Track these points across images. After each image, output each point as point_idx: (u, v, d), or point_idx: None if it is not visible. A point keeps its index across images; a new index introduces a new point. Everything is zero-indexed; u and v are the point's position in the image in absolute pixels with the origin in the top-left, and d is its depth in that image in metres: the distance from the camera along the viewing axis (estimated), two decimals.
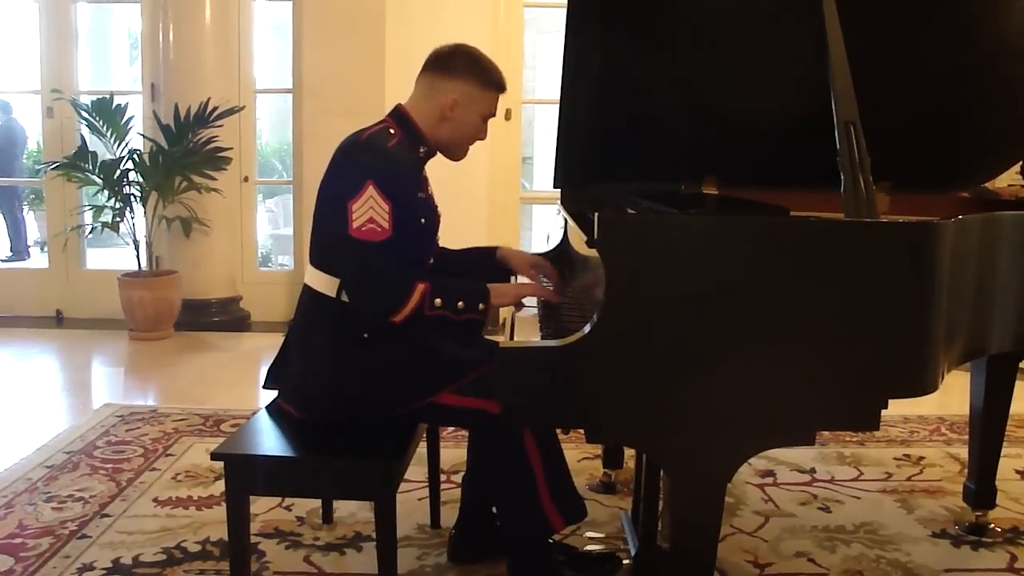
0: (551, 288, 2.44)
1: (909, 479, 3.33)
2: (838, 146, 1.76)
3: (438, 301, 2.14)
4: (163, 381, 4.84)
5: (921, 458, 3.55)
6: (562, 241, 2.96)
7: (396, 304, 2.12)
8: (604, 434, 1.75)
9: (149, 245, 5.71)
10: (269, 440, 2.17)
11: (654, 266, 1.62)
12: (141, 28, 6.11)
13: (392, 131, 2.28)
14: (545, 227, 7.96)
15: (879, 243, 1.67)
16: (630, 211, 2.11)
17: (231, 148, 5.72)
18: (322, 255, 2.28)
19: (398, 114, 2.33)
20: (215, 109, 5.52)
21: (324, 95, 5.73)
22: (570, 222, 2.74)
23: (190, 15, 5.79)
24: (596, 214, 1.61)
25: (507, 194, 5.98)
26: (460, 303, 2.16)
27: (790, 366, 1.66)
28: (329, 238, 2.23)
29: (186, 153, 5.52)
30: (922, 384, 1.74)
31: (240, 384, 4.71)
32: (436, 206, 2.41)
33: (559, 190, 2.93)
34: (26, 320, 6.15)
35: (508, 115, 5.71)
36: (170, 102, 5.68)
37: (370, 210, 2.11)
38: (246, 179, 6.10)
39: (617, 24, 2.50)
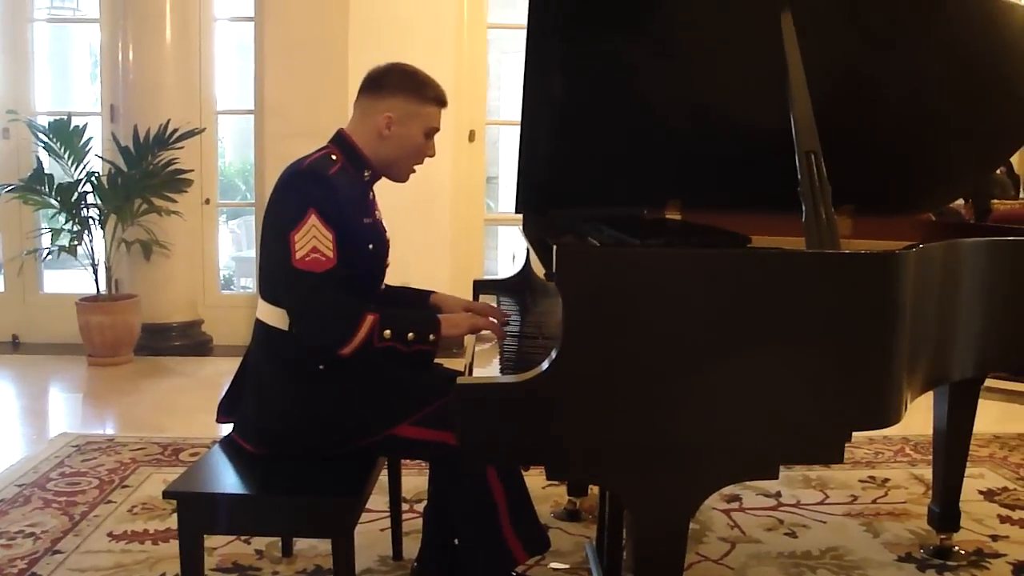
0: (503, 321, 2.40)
1: (875, 502, 3.32)
2: (799, 176, 1.75)
3: (387, 332, 2.10)
4: (121, 408, 4.75)
5: (886, 480, 3.55)
6: (524, 267, 2.93)
7: (344, 336, 2.08)
8: (564, 471, 1.71)
9: (108, 269, 5.62)
10: (223, 477, 2.11)
11: (613, 299, 1.59)
12: (100, 47, 6.02)
13: (334, 156, 2.24)
14: (511, 248, 7.94)
15: (840, 274, 1.65)
16: (591, 240, 2.08)
17: (192, 170, 5.65)
18: (271, 288, 2.24)
19: (339, 138, 2.30)
20: (175, 131, 5.45)
21: (286, 116, 5.67)
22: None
23: (150, 35, 5.71)
24: (554, 246, 1.58)
25: (471, 216, 5.95)
26: (410, 334, 2.12)
27: (752, 400, 1.63)
28: (274, 271, 2.19)
29: (146, 175, 5.44)
30: (885, 416, 1.72)
31: (200, 411, 4.61)
32: (384, 231, 2.37)
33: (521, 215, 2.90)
34: None
35: (472, 136, 5.69)
36: (130, 123, 5.60)
37: (313, 239, 2.07)
38: (207, 201, 6.02)
39: (578, 45, 2.47)
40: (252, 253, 6.47)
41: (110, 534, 2.99)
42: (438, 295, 2.53)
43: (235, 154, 9.82)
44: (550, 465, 1.64)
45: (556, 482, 3.36)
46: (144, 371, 5.45)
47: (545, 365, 1.59)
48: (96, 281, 5.59)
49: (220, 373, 5.41)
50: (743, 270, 1.63)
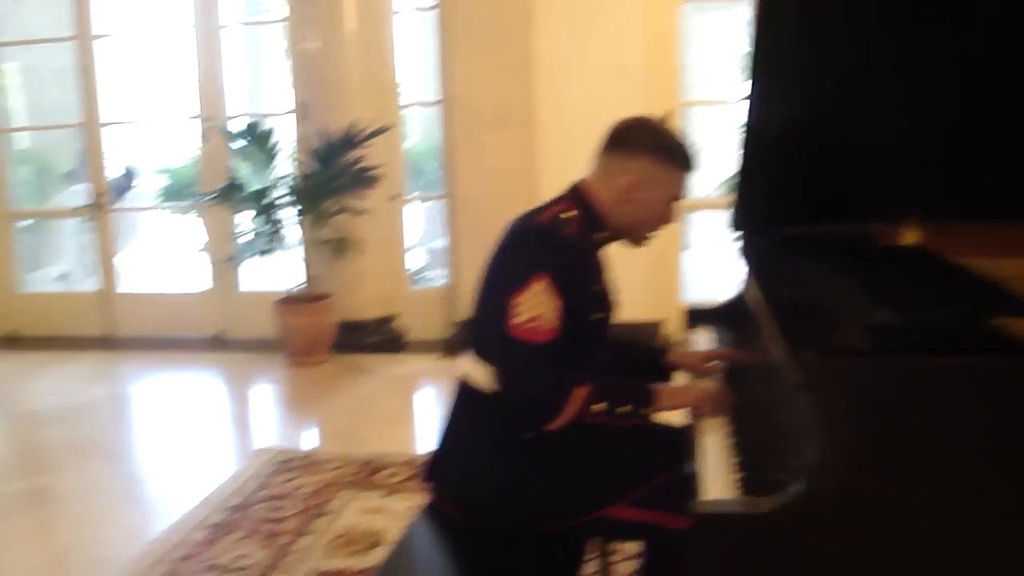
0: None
1: None
2: None
3: (599, 406, 1.89)
4: (320, 416, 4.78)
5: None
6: (742, 293, 2.65)
7: (552, 413, 1.88)
8: None
9: (303, 268, 5.66)
10: (425, 565, 1.95)
11: (886, 418, 1.28)
12: (288, 48, 6.05)
13: (570, 214, 2.02)
14: (711, 237, 7.55)
15: None
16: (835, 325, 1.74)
17: (380, 166, 5.57)
18: (480, 346, 2.04)
19: (577, 193, 2.07)
20: (363, 131, 5.39)
21: (473, 106, 5.53)
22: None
23: (334, 32, 5.67)
24: (801, 353, 1.29)
25: None
26: (623, 408, 1.91)
27: None
28: (487, 330, 1.99)
29: (336, 176, 5.42)
30: None
31: (396, 422, 4.59)
32: (610, 296, 2.14)
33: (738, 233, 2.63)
34: (190, 342, 6.24)
35: (666, 120, 5.37)
36: (318, 123, 5.61)
37: (537, 306, 1.86)
38: (396, 196, 5.96)
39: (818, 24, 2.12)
40: (442, 243, 6.38)
41: (317, 573, 2.93)
42: (675, 353, 2.30)
43: (420, 135, 9.77)
44: None
45: None
46: (341, 371, 5.47)
47: (796, 489, 1.32)
48: (292, 281, 5.65)
49: (414, 375, 5.38)
50: None
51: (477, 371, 2.04)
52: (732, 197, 2.58)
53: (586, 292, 2.00)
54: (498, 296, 1.92)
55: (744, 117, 2.33)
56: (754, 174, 2.39)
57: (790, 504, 1.32)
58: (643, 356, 2.30)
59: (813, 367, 1.29)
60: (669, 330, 5.42)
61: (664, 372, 2.28)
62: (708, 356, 2.29)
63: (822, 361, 1.28)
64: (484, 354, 2.01)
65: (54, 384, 5.58)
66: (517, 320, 1.86)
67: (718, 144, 8.45)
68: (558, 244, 1.94)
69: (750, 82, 2.25)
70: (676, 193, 2.06)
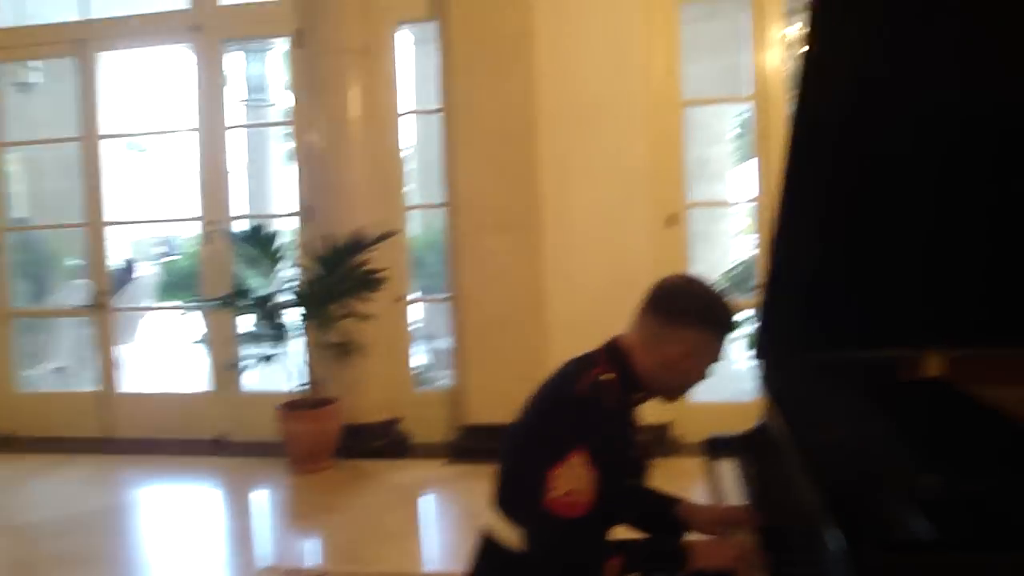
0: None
1: None
2: None
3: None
4: (325, 530, 4.68)
5: None
6: (766, 423, 2.59)
7: None
8: None
9: (306, 371, 5.60)
10: None
11: None
12: (293, 151, 6.08)
13: (608, 376, 1.98)
14: None
15: None
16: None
17: (385, 268, 5.55)
18: (509, 505, 2.00)
19: (615, 351, 2.04)
20: (369, 236, 5.38)
21: (477, 209, 5.53)
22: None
23: (339, 133, 5.71)
24: (857, 545, 1.23)
25: None
26: (657, 574, 1.88)
27: None
28: (520, 495, 1.94)
29: (341, 280, 5.39)
30: None
31: (404, 536, 4.49)
32: (643, 459, 2.10)
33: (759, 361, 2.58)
34: (190, 444, 6.12)
35: (671, 220, 5.37)
36: (323, 224, 5.62)
37: (574, 479, 1.82)
38: (400, 298, 5.93)
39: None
40: (446, 344, 6.33)
41: None
42: (685, 505, 2.23)
43: (419, 228, 9.76)
44: None
45: None
46: (345, 479, 5.36)
47: None
48: (293, 383, 5.58)
49: (420, 483, 5.28)
50: None
51: (502, 527, 1.98)
52: (757, 323, 2.55)
53: (622, 459, 1.96)
54: (535, 467, 1.87)
55: (774, 242, 2.30)
56: (781, 298, 2.35)
57: None
58: (654, 503, 2.24)
59: (873, 562, 1.23)
60: (677, 433, 5.34)
61: (675, 525, 2.22)
62: (719, 518, 2.20)
63: (884, 557, 1.22)
64: (513, 515, 1.96)
65: (52, 492, 5.47)
66: (554, 494, 1.82)
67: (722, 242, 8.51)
68: (598, 416, 1.91)
69: (781, 205, 2.23)
70: (719, 356, 2.04)
